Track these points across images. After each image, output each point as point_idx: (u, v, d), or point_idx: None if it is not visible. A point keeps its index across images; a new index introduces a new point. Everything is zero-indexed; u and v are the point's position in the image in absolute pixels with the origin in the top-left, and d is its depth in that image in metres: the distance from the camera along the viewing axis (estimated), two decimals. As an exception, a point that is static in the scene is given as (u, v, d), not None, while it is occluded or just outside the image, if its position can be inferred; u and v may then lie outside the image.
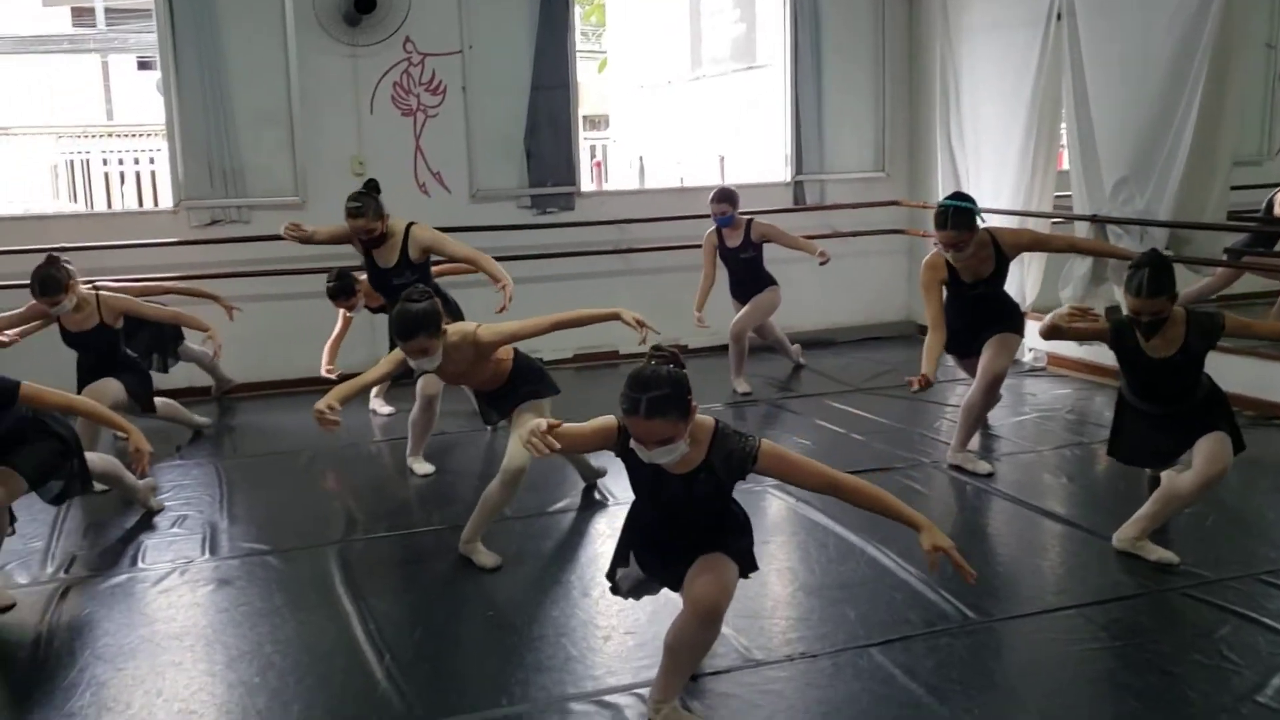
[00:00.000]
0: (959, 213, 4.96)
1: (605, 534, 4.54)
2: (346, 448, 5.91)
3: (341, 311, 6.30)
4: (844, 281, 8.26)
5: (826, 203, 8.27)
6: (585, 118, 9.90)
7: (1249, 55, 6.81)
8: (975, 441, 5.42)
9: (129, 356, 5.50)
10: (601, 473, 4.97)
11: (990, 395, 5.28)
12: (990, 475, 5.07)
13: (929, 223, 8.21)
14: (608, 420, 2.88)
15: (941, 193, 8.01)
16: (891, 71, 8.39)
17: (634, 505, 3.13)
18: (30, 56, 17.02)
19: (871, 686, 3.24)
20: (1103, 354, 6.79)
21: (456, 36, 7.38)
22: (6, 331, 5.27)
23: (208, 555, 4.39)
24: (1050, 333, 4.12)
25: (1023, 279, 6.96)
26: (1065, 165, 7.09)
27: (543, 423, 2.81)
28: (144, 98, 17.82)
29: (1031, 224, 6.82)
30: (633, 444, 2.78)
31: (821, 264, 6.73)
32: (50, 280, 5.06)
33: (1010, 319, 5.31)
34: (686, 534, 2.99)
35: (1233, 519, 4.43)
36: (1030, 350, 7.36)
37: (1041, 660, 3.45)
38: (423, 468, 5.39)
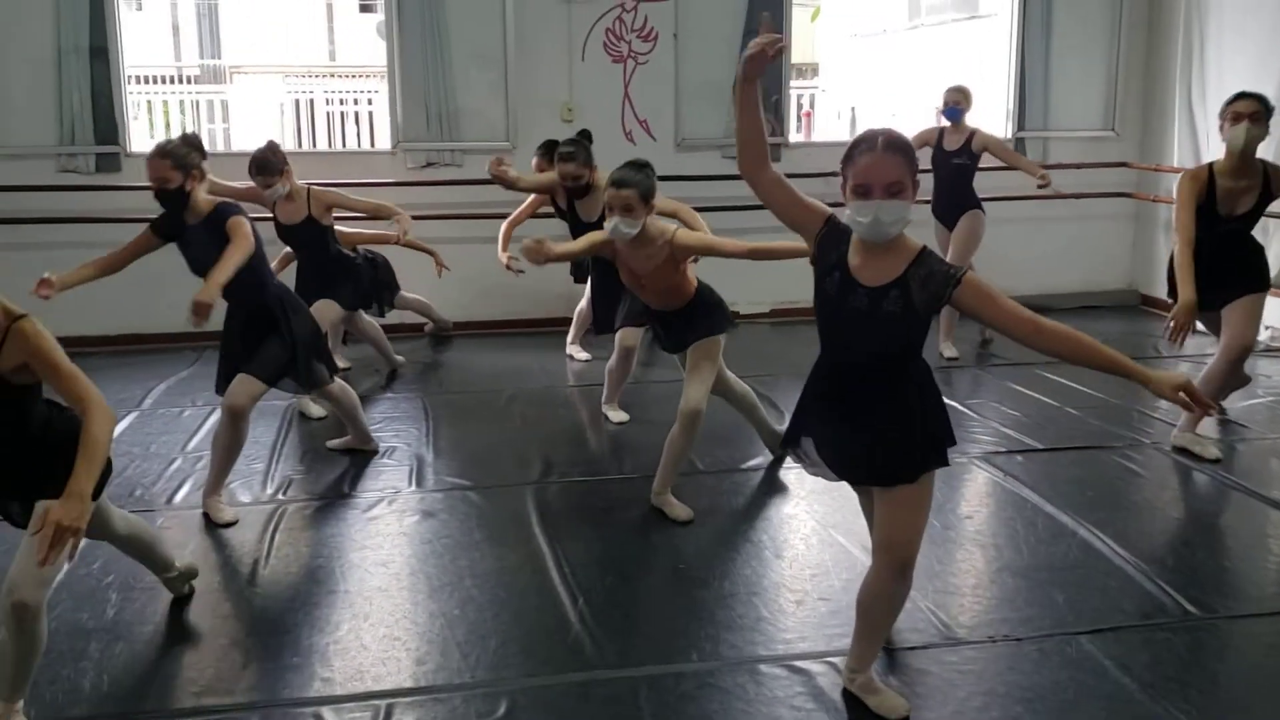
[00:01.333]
0: None
1: (798, 494, 4.46)
2: (543, 390, 6.02)
3: (533, 197, 6.25)
4: (1063, 245, 7.84)
5: (1049, 162, 7.81)
6: (793, 65, 9.66)
7: None
8: (1208, 424, 5.04)
9: (344, 256, 5.65)
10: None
11: (1235, 370, 4.82)
12: (1217, 461, 4.72)
13: (1160, 186, 7.73)
14: (820, 212, 2.65)
15: (1177, 156, 7.49)
16: (1129, 22, 7.84)
17: (812, 370, 2.83)
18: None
19: (1079, 676, 3.06)
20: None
21: (670, -17, 7.31)
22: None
23: (413, 487, 4.55)
24: None
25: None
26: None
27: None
28: (364, 40, 18.55)
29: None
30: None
31: (1040, 187, 6.34)
32: (266, 163, 5.26)
33: (1259, 272, 4.75)
34: (864, 387, 2.65)
35: None
36: (1267, 328, 6.81)
37: (1270, 665, 3.19)
38: (617, 415, 5.43)
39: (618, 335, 5.33)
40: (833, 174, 2.80)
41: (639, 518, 4.21)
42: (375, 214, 5.49)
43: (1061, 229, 7.84)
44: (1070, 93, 7.88)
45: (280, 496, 4.44)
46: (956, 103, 6.43)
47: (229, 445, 4.24)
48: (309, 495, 4.46)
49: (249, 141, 9.26)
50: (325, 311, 5.36)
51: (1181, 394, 2.46)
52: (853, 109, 11.90)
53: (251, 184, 5.36)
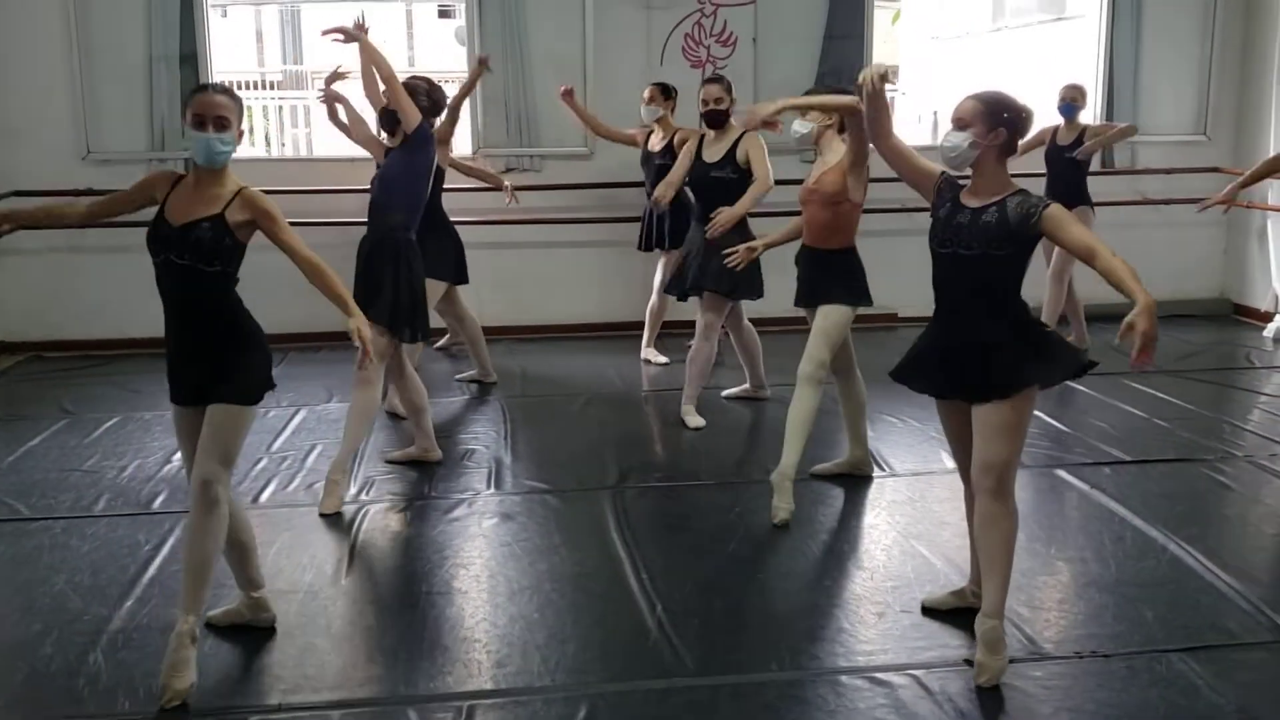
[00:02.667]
0: None
1: (879, 504, 4.41)
2: (619, 394, 6.03)
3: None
4: (1150, 252, 7.58)
5: (1137, 166, 7.66)
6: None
7: None
8: None
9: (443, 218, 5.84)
10: (868, 469, 4.71)
11: None
12: None
13: (1254, 192, 7.50)
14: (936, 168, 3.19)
15: (1273, 160, 7.25)
16: (1224, 24, 7.63)
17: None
18: (341, 4, 18.28)
19: (1170, 696, 2.98)
20: None
21: (750, -14, 7.28)
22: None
23: (493, 489, 4.58)
24: None
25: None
26: None
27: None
28: (443, 45, 18.74)
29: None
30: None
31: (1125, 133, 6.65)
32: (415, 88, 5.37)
33: None
34: (971, 292, 3.04)
35: None
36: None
37: (1376, 691, 3.07)
38: (694, 420, 5.41)
39: (699, 321, 5.38)
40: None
41: (717, 526, 4.19)
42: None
43: (1150, 236, 7.64)
44: (1160, 95, 7.70)
45: (363, 497, 4.50)
46: (1073, 99, 6.59)
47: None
48: (391, 496, 4.52)
49: (330, 147, 9.45)
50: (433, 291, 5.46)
51: (1130, 333, 2.77)
52: (935, 113, 11.75)
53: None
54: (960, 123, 3.04)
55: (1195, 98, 7.75)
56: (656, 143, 6.47)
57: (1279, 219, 7.02)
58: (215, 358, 3.09)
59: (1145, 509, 4.21)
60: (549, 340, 7.31)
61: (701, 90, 5.57)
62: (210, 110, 3.02)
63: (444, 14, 20.02)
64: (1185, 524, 4.07)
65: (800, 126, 4.36)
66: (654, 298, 6.60)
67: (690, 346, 5.49)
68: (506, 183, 6.48)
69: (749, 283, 5.25)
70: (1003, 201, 3.00)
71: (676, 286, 5.61)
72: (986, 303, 3.06)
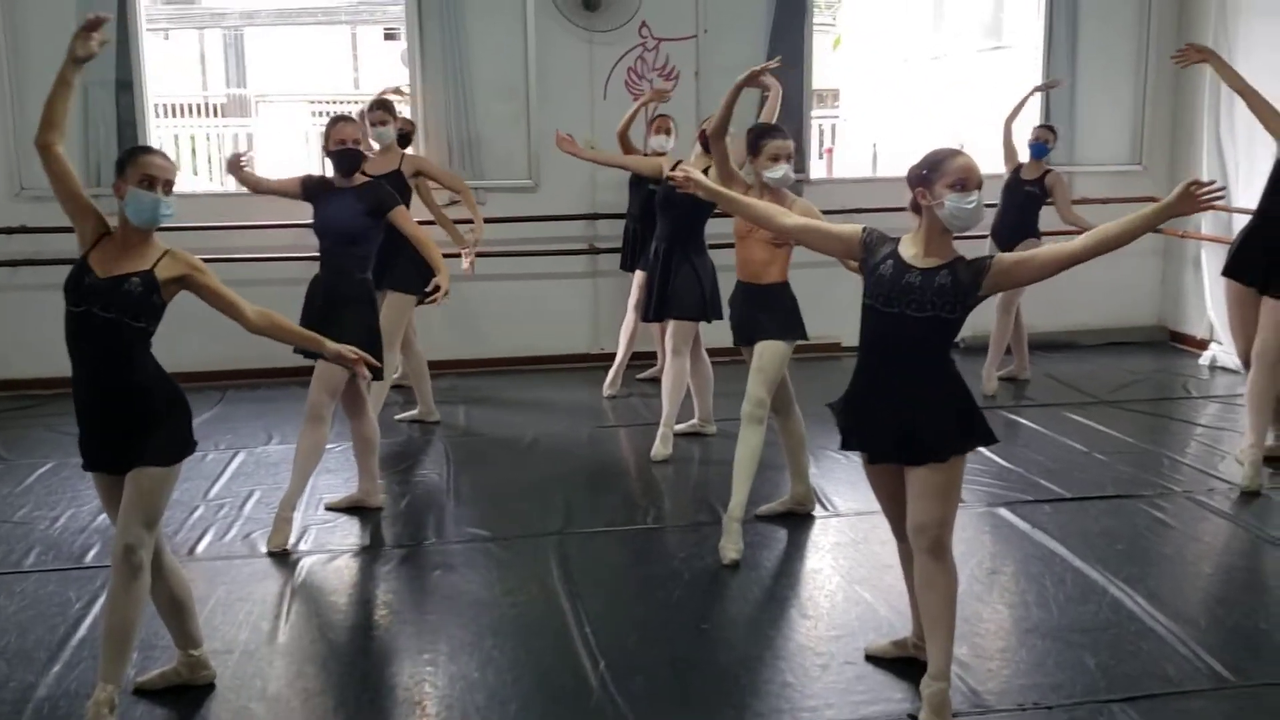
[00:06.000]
0: None
1: (823, 546, 4.40)
2: (566, 432, 5.98)
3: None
4: (1089, 281, 7.67)
5: (1074, 196, 7.74)
6: (814, 92, 9.61)
7: None
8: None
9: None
10: (811, 506, 4.73)
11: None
12: (1256, 494, 4.79)
13: (1188, 221, 7.64)
14: (854, 228, 3.14)
15: (1206, 189, 7.39)
16: (1156, 56, 7.76)
17: (857, 363, 3.15)
18: (287, 28, 18.12)
19: (1111, 747, 2.99)
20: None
21: (692, 21, 7.31)
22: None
23: (434, 538, 4.52)
24: None
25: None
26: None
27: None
28: (389, 67, 18.62)
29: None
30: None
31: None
32: (387, 102, 5.96)
33: None
34: (911, 354, 2.99)
35: None
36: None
37: (1311, 736, 3.11)
38: (662, 451, 5.39)
39: (668, 339, 5.52)
40: (855, 210, 3.09)
41: (662, 571, 4.16)
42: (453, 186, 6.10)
43: (1089, 265, 7.64)
44: (1096, 126, 7.82)
45: (302, 548, 4.42)
46: (1045, 140, 6.71)
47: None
48: (328, 547, 4.44)
49: (274, 172, 9.33)
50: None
51: (1192, 189, 2.81)
52: (874, 145, 11.86)
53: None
54: (978, 183, 2.97)
55: (1130, 128, 7.89)
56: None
57: (1213, 249, 7.13)
58: (133, 418, 3.03)
59: (1086, 549, 4.25)
60: (494, 374, 7.25)
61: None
62: (163, 174, 3.02)
63: (389, 36, 19.90)
64: (1125, 564, 4.11)
65: (775, 171, 4.29)
66: (629, 318, 6.54)
67: (649, 376, 5.50)
68: (469, 251, 6.03)
69: (714, 304, 5.43)
70: (953, 264, 2.97)
71: (645, 310, 5.72)
72: (925, 363, 3.04)
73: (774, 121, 5.24)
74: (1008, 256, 3.02)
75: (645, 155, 6.40)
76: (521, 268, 7.27)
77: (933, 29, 11.43)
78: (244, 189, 4.93)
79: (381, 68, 19.35)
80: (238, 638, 3.66)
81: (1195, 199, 2.83)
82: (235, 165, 4.81)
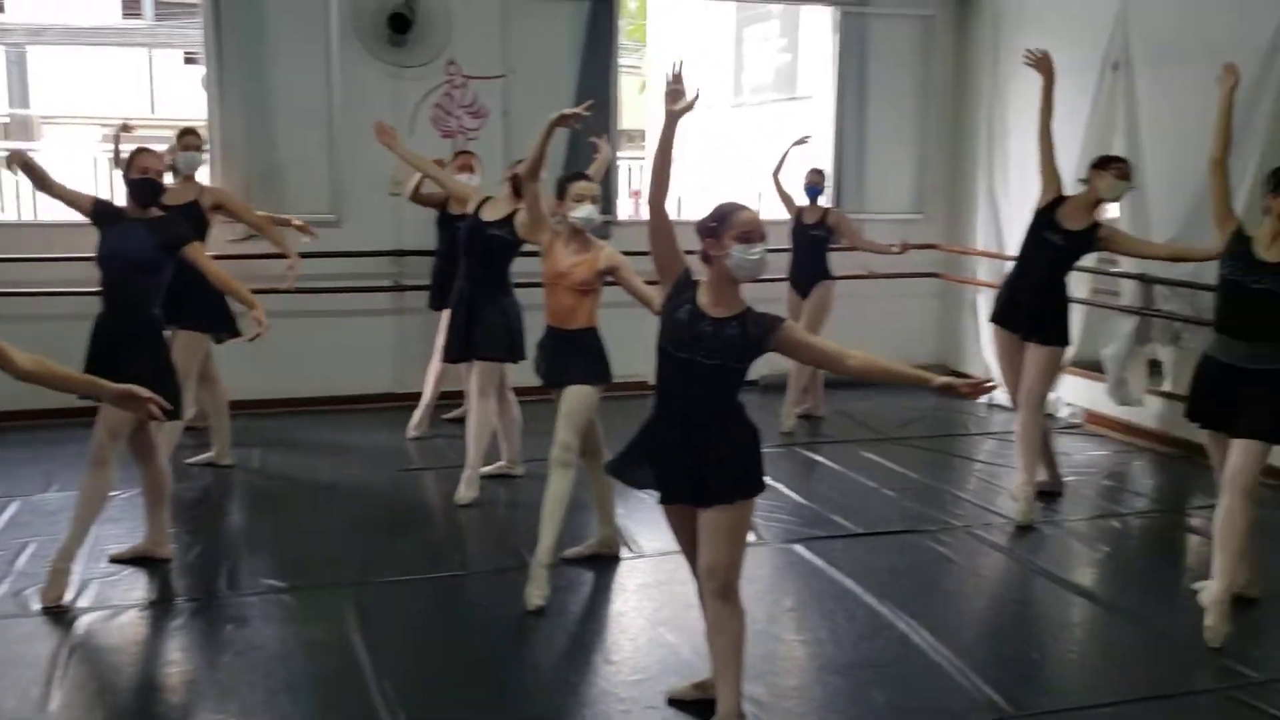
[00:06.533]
0: None
1: (628, 589, 4.45)
2: (367, 476, 5.85)
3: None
4: (876, 323, 8.12)
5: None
6: (622, 132, 9.81)
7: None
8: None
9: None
10: (617, 548, 4.77)
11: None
12: (1029, 528, 5.11)
13: (965, 268, 8.15)
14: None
15: (981, 239, 7.92)
16: (936, 112, 8.29)
17: (653, 408, 3.22)
18: (79, 48, 17.15)
19: (898, 779, 3.13)
20: (1143, 415, 6.67)
21: (499, 61, 7.33)
22: None
23: (226, 590, 4.33)
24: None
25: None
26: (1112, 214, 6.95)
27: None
28: (189, 93, 17.88)
29: (1074, 280, 6.68)
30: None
31: (899, 253, 6.90)
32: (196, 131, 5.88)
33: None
34: (700, 399, 3.10)
35: (1276, 610, 4.27)
36: (1067, 406, 7.23)
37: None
38: (467, 494, 5.33)
39: (472, 380, 5.46)
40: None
41: (466, 620, 4.12)
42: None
43: (876, 306, 8.13)
44: (884, 177, 8.26)
45: (80, 604, 4.15)
46: (816, 183, 7.01)
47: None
48: (111, 602, 4.18)
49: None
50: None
51: (951, 388, 2.99)
52: (678, 191, 12.18)
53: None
54: (762, 235, 3.07)
55: (914, 179, 8.36)
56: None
57: (987, 293, 7.60)
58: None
59: (875, 584, 4.43)
60: (292, 415, 7.02)
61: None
62: None
63: (190, 60, 19.13)
64: (912, 599, 4.31)
65: (579, 211, 4.37)
66: (436, 357, 6.40)
67: (454, 416, 5.43)
68: (293, 263, 5.80)
69: (520, 344, 5.45)
70: (743, 315, 3.08)
71: (448, 351, 5.68)
72: (714, 408, 3.13)
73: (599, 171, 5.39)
74: (798, 331, 3.16)
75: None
76: (323, 305, 7.08)
77: (733, 78, 11.82)
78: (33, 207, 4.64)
79: (182, 92, 18.56)
80: (3, 707, 3.40)
81: (955, 391, 2.99)
82: (20, 158, 4.59)
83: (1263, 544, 4.50)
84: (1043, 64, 5.42)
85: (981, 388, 3.05)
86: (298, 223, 6.22)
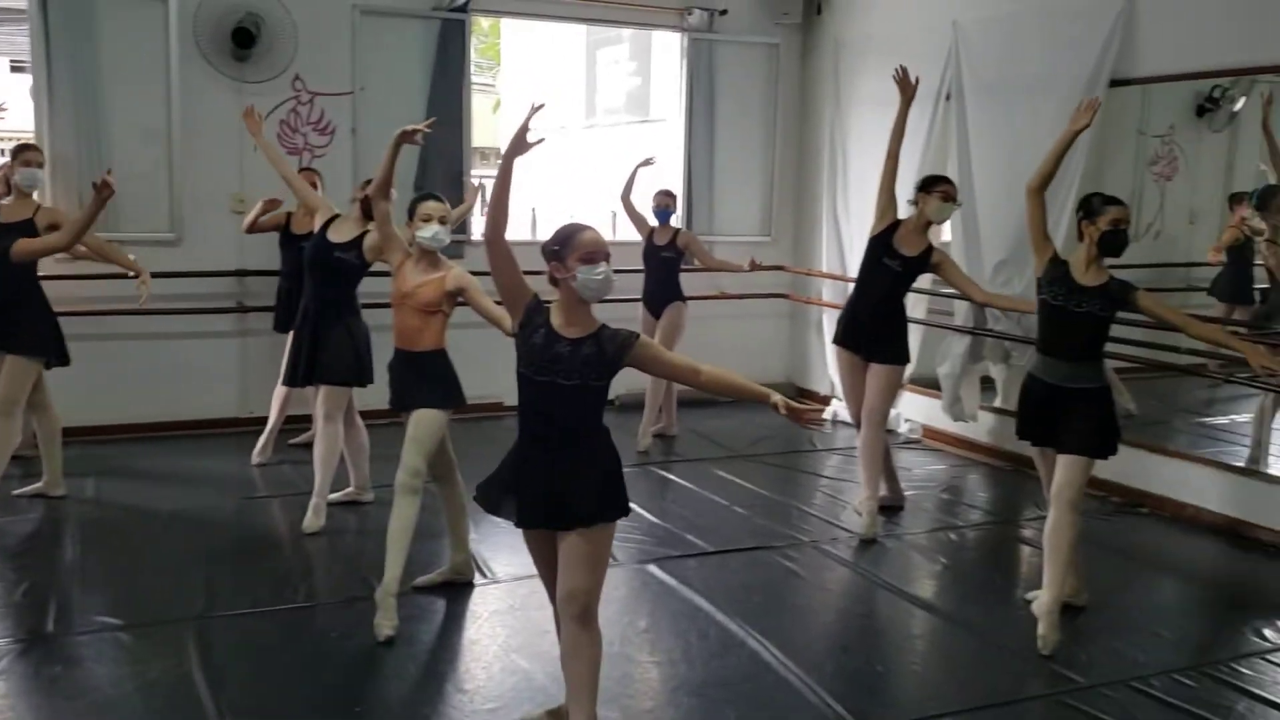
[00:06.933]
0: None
1: (481, 616, 4.42)
2: (210, 505, 5.65)
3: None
4: (727, 342, 8.29)
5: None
6: (475, 149, 9.77)
7: (1122, 140, 7.14)
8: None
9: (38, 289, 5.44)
10: (470, 574, 4.73)
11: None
12: (872, 542, 5.28)
13: (811, 289, 8.40)
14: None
15: (825, 261, 8.16)
16: (782, 137, 8.53)
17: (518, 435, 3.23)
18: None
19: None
20: (977, 430, 6.98)
21: (348, 77, 7.21)
22: None
23: (56, 629, 4.12)
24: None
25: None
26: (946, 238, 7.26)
27: None
28: (17, 102, 16.97)
29: (912, 301, 6.95)
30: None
31: (750, 270, 6.96)
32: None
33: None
34: (563, 421, 3.12)
35: (1102, 617, 4.51)
36: (906, 422, 7.51)
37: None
38: (315, 522, 5.23)
39: (318, 404, 5.35)
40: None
41: (313, 653, 4.01)
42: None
43: (728, 326, 8.31)
44: (733, 200, 8.45)
45: (-111, 651, 3.90)
46: (665, 205, 7.07)
47: None
48: (-74, 647, 3.95)
49: None
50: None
51: (789, 411, 3.07)
52: (533, 210, 12.18)
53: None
54: (606, 255, 3.10)
55: (762, 203, 8.57)
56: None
57: (832, 314, 7.83)
58: None
59: (727, 602, 4.51)
60: (130, 442, 6.73)
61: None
62: None
63: (17, 68, 18.13)
64: (761, 616, 4.40)
65: (425, 231, 4.35)
66: (281, 382, 6.22)
67: (301, 441, 5.31)
68: (145, 279, 5.67)
69: (368, 367, 5.37)
70: (597, 334, 3.11)
71: (290, 375, 5.56)
72: (577, 430, 3.15)
73: (458, 220, 5.36)
74: (652, 346, 3.19)
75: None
76: (162, 326, 6.84)
77: (586, 99, 11.90)
78: None
79: (10, 101, 17.58)
80: None
81: (791, 414, 3.06)
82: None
83: (1089, 552, 4.78)
84: (905, 83, 5.60)
85: (807, 418, 3.10)
86: (132, 266, 5.78)
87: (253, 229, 6.50)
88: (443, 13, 7.38)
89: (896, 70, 5.65)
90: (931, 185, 5.46)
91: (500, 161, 3.17)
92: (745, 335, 8.49)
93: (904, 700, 3.84)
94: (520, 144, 3.15)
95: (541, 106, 3.25)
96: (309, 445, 6.12)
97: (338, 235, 5.37)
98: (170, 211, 6.91)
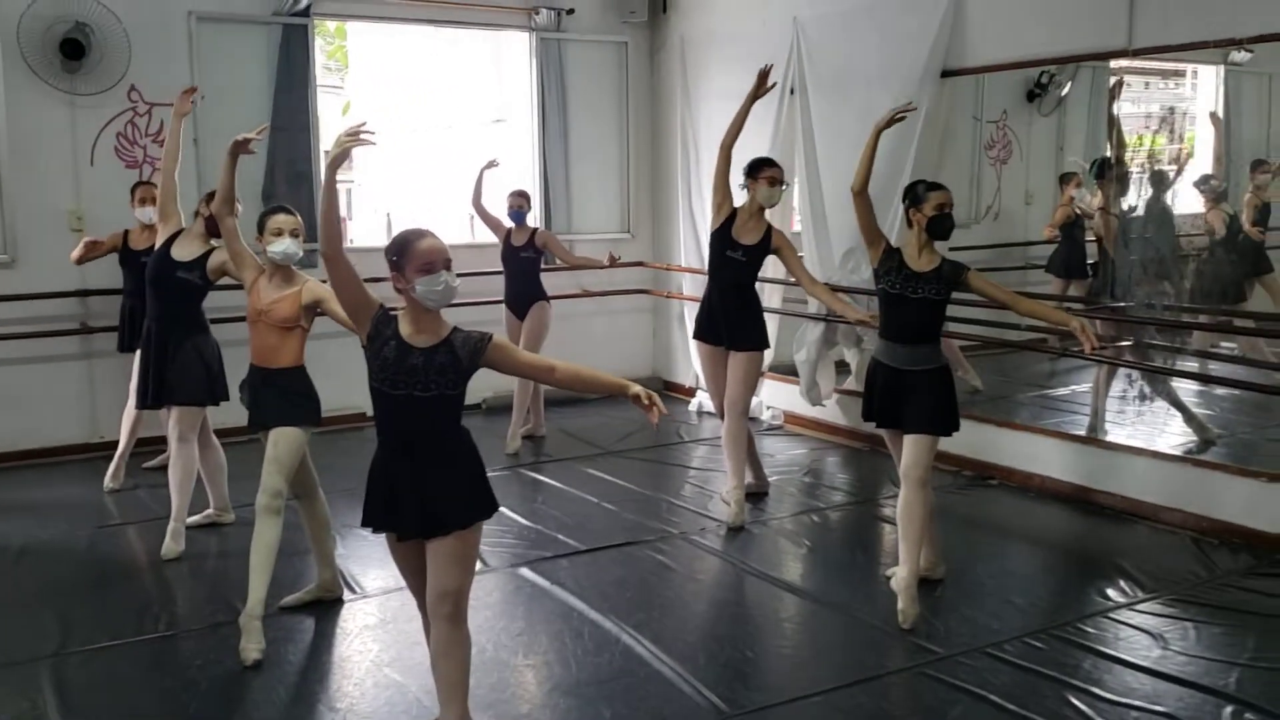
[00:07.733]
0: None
1: (351, 632, 4.36)
2: (62, 536, 5.43)
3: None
4: (593, 340, 8.37)
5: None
6: (326, 152, 9.60)
7: (959, 127, 7.43)
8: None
9: None
10: (338, 591, 4.66)
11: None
12: (740, 529, 5.40)
13: (671, 284, 8.51)
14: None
15: (683, 255, 8.27)
16: (636, 134, 8.62)
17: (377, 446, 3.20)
18: None
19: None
20: (836, 414, 7.19)
21: (187, 85, 6.95)
22: None
23: (-105, 681, 3.92)
24: None
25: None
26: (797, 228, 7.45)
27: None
28: None
29: (767, 291, 7.12)
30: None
31: (610, 265, 7.02)
32: None
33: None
34: (423, 432, 3.10)
35: (958, 588, 4.70)
36: (769, 409, 7.67)
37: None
38: (174, 548, 5.08)
39: (171, 424, 5.21)
40: (371, 280, 3.11)
41: (178, 683, 3.90)
42: None
43: (592, 324, 8.38)
44: (590, 198, 8.50)
45: None
46: (520, 206, 7.05)
47: None
48: None
49: None
50: None
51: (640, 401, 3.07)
52: (388, 215, 11.98)
53: None
54: (446, 262, 3.04)
55: (619, 200, 8.65)
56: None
57: (692, 307, 7.96)
58: None
59: (600, 599, 4.56)
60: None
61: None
62: None
63: None
64: (634, 610, 4.46)
65: (277, 246, 4.27)
66: (131, 403, 5.97)
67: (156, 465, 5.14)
68: None
69: (221, 384, 5.25)
70: (450, 339, 3.08)
71: (141, 397, 5.41)
72: (438, 438, 3.14)
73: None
74: (506, 346, 3.16)
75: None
76: (1, 352, 6.53)
77: (437, 101, 11.73)
78: None
79: None
80: None
81: (642, 406, 3.05)
82: None
83: (944, 526, 4.98)
84: (762, 73, 5.64)
85: (651, 418, 3.06)
86: None
87: (83, 259, 6.26)
88: (284, 17, 7.22)
89: (765, 66, 5.70)
90: (758, 170, 5.53)
91: (324, 174, 3.13)
92: (609, 332, 8.56)
93: (774, 684, 3.94)
94: (339, 156, 3.07)
95: (364, 124, 3.15)
96: (164, 468, 5.93)
97: (181, 252, 5.22)
98: (3, 233, 6.61)
